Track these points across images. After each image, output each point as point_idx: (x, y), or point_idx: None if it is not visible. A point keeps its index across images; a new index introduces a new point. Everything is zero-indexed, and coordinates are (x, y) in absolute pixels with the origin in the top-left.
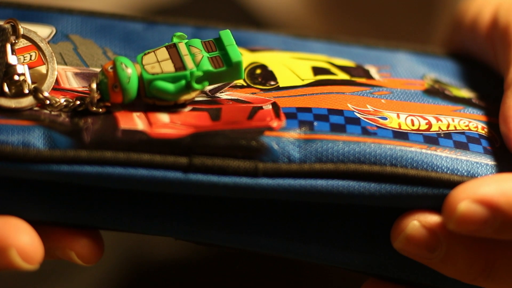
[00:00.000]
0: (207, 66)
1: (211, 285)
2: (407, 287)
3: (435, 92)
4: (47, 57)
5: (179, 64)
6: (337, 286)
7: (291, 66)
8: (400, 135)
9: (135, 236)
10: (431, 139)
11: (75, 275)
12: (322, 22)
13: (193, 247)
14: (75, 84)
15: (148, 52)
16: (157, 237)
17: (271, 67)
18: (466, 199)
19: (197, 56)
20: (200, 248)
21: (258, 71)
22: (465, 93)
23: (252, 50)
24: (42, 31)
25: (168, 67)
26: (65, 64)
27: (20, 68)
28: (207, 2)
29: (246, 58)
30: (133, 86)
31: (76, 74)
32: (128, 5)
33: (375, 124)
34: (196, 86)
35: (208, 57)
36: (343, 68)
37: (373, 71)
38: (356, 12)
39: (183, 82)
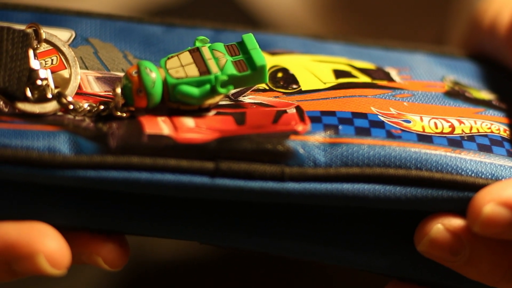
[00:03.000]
0: (232, 70)
1: (212, 285)
2: None
3: (456, 94)
4: (69, 61)
5: (203, 68)
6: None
7: (312, 69)
8: (425, 138)
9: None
10: (455, 142)
11: (75, 275)
12: (326, 24)
13: (193, 248)
14: (97, 88)
15: (172, 56)
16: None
17: (292, 70)
18: (491, 202)
19: (220, 60)
20: (201, 248)
21: (280, 74)
22: (485, 95)
23: (272, 53)
24: (62, 35)
25: (192, 71)
26: (86, 68)
27: (43, 73)
28: (207, 2)
29: (267, 61)
30: (157, 91)
31: (97, 78)
32: (127, 5)
33: (399, 127)
34: (221, 90)
35: (232, 61)
36: (363, 71)
37: (393, 73)
38: (365, 14)
39: (208, 86)
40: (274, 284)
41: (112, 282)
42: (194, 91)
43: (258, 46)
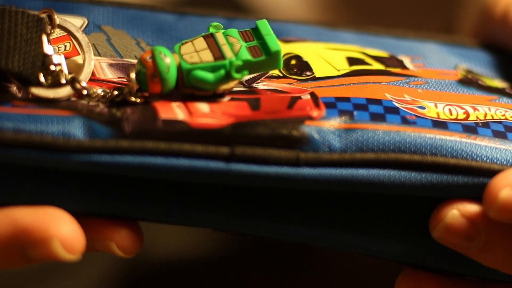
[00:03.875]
0: (246, 55)
1: (212, 286)
2: (444, 277)
3: (469, 82)
4: (83, 47)
5: (218, 53)
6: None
7: (326, 57)
8: (439, 124)
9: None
10: (470, 129)
11: (74, 275)
12: (332, 18)
13: (193, 248)
14: (110, 75)
15: (186, 42)
16: (157, 236)
17: (306, 57)
18: (507, 187)
19: (235, 45)
20: (201, 248)
21: (293, 61)
22: (498, 83)
23: (286, 41)
24: (74, 22)
25: (207, 56)
26: (99, 55)
27: (57, 58)
28: (206, 2)
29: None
30: (172, 76)
31: (110, 65)
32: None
33: (414, 113)
34: (236, 75)
35: (246, 46)
36: (377, 58)
37: (406, 61)
38: (372, 4)
39: (222, 71)
40: (274, 284)
41: (112, 282)
42: (209, 76)
43: (272, 32)
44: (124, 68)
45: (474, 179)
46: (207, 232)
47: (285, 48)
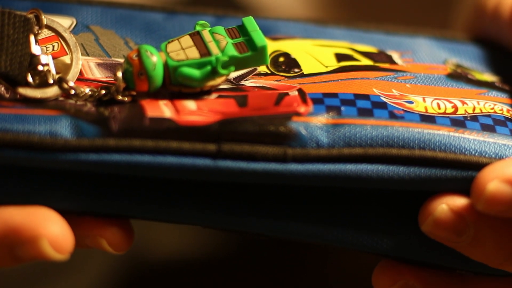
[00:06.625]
0: (232, 51)
1: (211, 286)
2: (425, 270)
3: (458, 76)
4: (71, 47)
5: (204, 50)
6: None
7: (314, 54)
8: (428, 118)
9: (135, 235)
10: (458, 122)
11: (74, 275)
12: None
13: (194, 248)
14: (98, 74)
15: (172, 40)
16: (156, 236)
17: (294, 55)
18: (495, 179)
19: (221, 42)
20: (201, 248)
21: (282, 59)
22: (487, 77)
23: (274, 38)
24: (63, 23)
25: (193, 53)
26: (88, 54)
27: (44, 59)
28: (204, 2)
29: (269, 46)
30: (158, 74)
31: (98, 64)
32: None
33: (401, 108)
34: (222, 71)
35: (232, 43)
36: (365, 54)
37: (395, 56)
38: (367, 4)
39: (208, 67)
40: (271, 282)
41: (112, 282)
42: (195, 72)
43: (258, 28)
44: (112, 68)
45: (463, 172)
46: (205, 231)
47: (273, 46)
